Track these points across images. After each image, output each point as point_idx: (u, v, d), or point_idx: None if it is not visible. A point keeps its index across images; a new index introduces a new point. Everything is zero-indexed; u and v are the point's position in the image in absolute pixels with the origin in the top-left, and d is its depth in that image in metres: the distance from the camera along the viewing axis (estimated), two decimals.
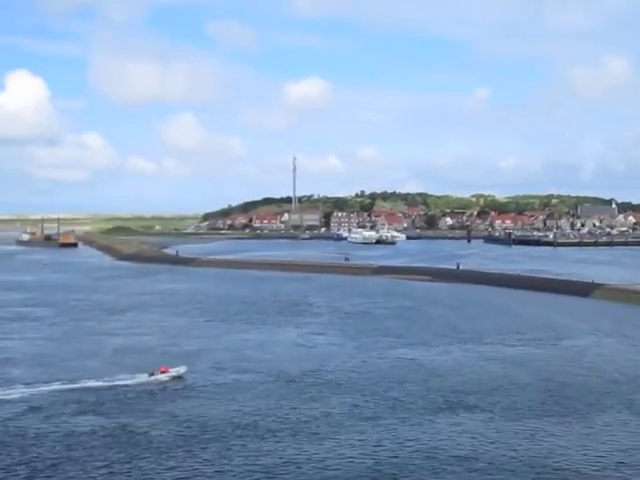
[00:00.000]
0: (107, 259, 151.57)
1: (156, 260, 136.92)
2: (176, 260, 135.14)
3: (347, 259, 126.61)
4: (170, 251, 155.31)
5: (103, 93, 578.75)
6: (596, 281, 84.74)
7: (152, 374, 40.17)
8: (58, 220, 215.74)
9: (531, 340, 53.41)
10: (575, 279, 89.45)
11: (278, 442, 29.33)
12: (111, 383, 38.58)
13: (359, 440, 29.56)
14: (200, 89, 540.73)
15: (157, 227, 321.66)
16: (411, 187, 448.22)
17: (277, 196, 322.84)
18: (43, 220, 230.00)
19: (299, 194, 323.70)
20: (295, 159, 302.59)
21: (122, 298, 79.91)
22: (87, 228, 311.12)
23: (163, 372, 40.37)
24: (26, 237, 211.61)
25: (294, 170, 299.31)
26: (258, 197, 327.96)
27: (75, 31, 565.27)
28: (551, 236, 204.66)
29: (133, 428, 31.06)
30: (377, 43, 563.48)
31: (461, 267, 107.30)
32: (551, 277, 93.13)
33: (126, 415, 32.98)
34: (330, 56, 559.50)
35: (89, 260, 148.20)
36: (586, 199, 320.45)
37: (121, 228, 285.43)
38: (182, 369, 41.24)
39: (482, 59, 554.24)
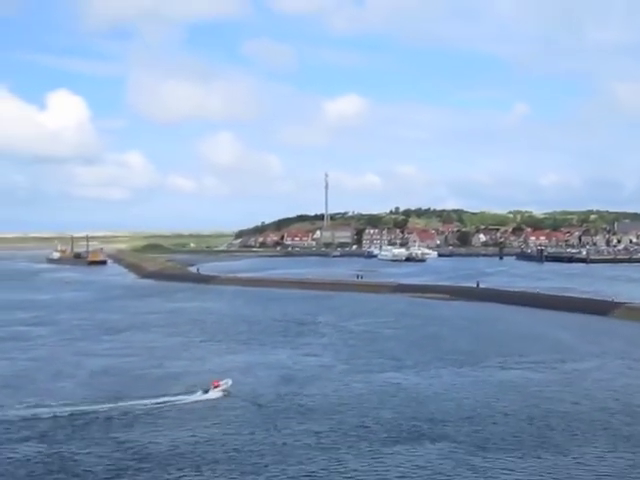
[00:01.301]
0: (130, 277, 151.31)
1: (177, 278, 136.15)
2: (197, 278, 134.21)
3: (360, 277, 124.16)
4: (194, 269, 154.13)
5: (142, 112, 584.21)
6: (617, 300, 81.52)
7: (206, 391, 40.21)
8: (87, 238, 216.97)
9: (532, 363, 50.80)
10: (595, 297, 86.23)
11: (213, 473, 27.51)
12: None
13: (299, 472, 27.66)
14: (238, 107, 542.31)
15: (192, 245, 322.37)
16: (450, 204, 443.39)
17: (312, 213, 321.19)
18: (73, 238, 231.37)
19: (334, 211, 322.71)
20: (327, 176, 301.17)
21: (127, 317, 78.93)
22: (122, 246, 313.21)
23: (216, 387, 40.54)
24: (56, 255, 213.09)
25: (326, 187, 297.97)
26: (295, 214, 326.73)
27: (113, 51, 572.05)
28: (584, 252, 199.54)
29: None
30: (414, 60, 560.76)
31: (481, 285, 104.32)
32: (570, 295, 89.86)
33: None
34: (367, 73, 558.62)
35: (112, 278, 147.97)
36: (626, 215, 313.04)
37: (154, 246, 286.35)
38: (229, 381, 41.37)
39: (521, 75, 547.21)
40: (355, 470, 27.83)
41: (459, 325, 71.62)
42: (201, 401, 39.16)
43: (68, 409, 37.22)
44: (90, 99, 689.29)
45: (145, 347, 58.39)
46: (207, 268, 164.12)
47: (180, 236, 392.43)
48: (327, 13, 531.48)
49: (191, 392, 40.53)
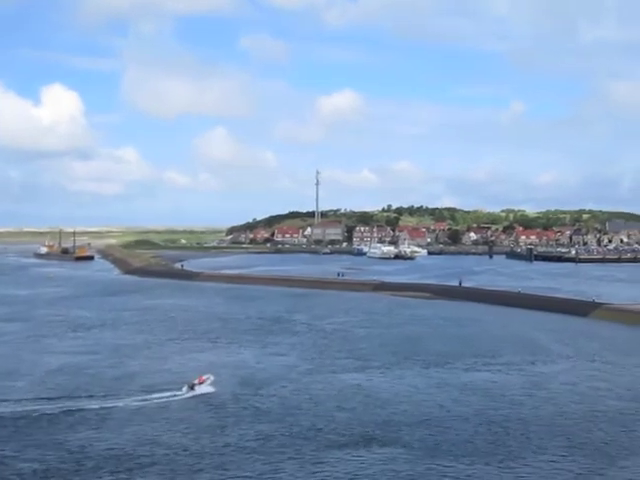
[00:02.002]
0: (115, 272, 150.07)
1: (161, 274, 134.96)
2: (180, 274, 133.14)
3: (341, 275, 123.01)
4: (179, 265, 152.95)
5: (137, 107, 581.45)
6: (598, 300, 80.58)
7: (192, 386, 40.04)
8: (74, 233, 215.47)
9: (502, 364, 49.88)
10: (576, 298, 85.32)
11: (143, 477, 26.55)
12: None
13: (232, 477, 26.76)
14: (233, 103, 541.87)
15: (183, 241, 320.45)
16: (445, 201, 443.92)
17: (305, 210, 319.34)
18: (61, 233, 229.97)
19: (328, 208, 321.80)
20: (318, 173, 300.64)
21: (101, 314, 77.75)
22: (114, 241, 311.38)
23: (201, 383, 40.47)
24: (44, 250, 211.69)
25: (317, 184, 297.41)
26: (290, 211, 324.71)
27: (108, 46, 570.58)
28: (573, 252, 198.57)
29: None
30: (410, 55, 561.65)
31: (464, 284, 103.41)
32: (551, 296, 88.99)
33: None
34: (362, 68, 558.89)
35: (96, 274, 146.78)
36: (619, 214, 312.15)
37: (144, 241, 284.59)
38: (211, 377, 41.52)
39: (518, 73, 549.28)
40: (291, 476, 26.78)
41: (435, 325, 70.61)
42: (170, 400, 38.30)
43: (14, 408, 36.20)
44: (85, 94, 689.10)
45: (109, 345, 57.33)
46: (194, 264, 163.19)
47: (174, 232, 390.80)
48: (321, 8, 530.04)
49: (177, 389, 40.04)
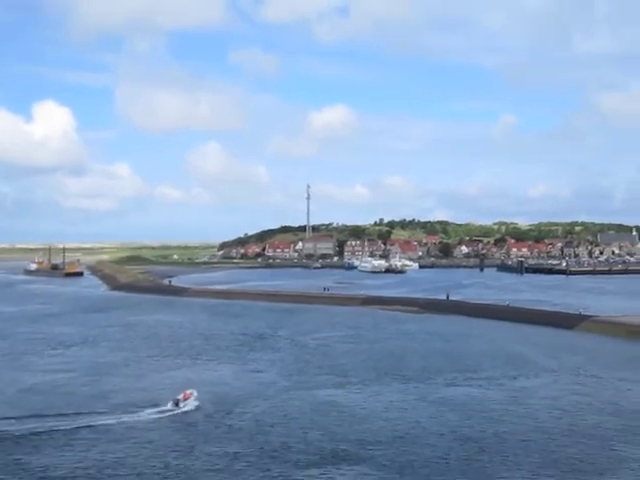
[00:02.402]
0: (102, 289, 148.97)
1: (148, 290, 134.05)
2: (167, 290, 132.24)
3: (327, 289, 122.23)
4: (167, 281, 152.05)
5: (129, 122, 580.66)
6: (584, 312, 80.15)
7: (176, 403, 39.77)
8: (64, 249, 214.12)
9: (483, 379, 49.24)
10: (563, 311, 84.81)
11: None
12: None
13: None
14: (225, 117, 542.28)
15: (175, 256, 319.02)
16: (438, 215, 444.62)
17: (297, 224, 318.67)
18: (50, 250, 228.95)
19: (320, 222, 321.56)
20: (309, 187, 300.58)
21: (83, 331, 76.89)
22: (105, 257, 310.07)
23: (186, 399, 40.31)
24: (33, 267, 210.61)
25: (308, 198, 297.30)
26: (282, 225, 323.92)
27: (100, 61, 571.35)
28: (564, 264, 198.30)
29: None
30: (402, 70, 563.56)
31: (451, 298, 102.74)
32: (538, 309, 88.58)
33: None
34: (354, 84, 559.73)
35: (84, 290, 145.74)
36: (610, 226, 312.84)
37: (135, 257, 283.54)
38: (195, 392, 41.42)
39: (509, 86, 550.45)
40: None
41: (419, 339, 69.89)
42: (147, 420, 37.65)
43: None
44: (77, 110, 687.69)
45: (87, 362, 56.49)
46: (183, 280, 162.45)
47: (167, 247, 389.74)
48: (312, 23, 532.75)
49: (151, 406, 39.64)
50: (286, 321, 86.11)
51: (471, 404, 41.37)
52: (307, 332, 75.28)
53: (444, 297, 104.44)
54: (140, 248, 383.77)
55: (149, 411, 39.12)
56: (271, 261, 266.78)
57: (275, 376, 50.69)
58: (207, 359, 58.80)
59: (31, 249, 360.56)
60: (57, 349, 64.08)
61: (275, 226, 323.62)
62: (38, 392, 44.78)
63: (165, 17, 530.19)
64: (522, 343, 66.77)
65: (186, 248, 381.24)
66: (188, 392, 41.30)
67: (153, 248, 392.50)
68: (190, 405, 40.08)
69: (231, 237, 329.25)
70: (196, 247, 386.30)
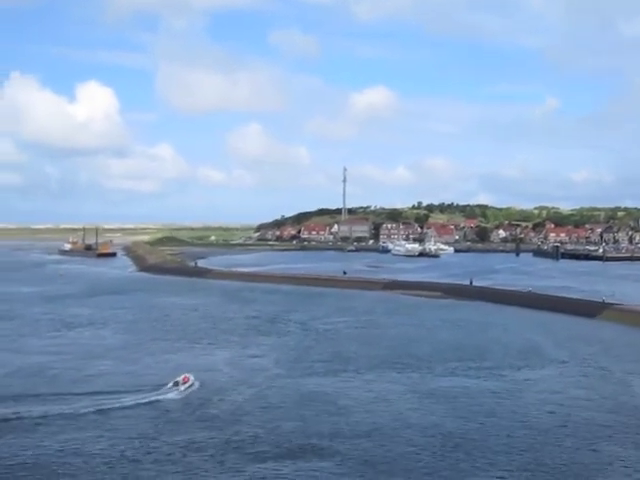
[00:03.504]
0: (130, 270, 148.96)
1: (173, 271, 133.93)
2: (191, 272, 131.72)
3: (345, 273, 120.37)
4: (193, 263, 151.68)
5: (170, 103, 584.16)
6: (608, 301, 77.27)
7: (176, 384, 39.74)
8: (97, 230, 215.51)
9: (484, 369, 47.32)
10: (586, 298, 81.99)
11: None
12: None
13: None
14: (264, 98, 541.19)
15: (212, 238, 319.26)
16: (481, 198, 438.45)
17: (334, 207, 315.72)
18: (85, 230, 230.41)
19: (357, 205, 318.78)
20: (345, 170, 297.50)
21: (95, 312, 76.65)
22: (145, 238, 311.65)
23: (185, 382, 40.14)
24: (68, 247, 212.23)
25: (344, 181, 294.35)
26: (322, 207, 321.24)
27: (139, 41, 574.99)
28: (601, 250, 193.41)
29: None
30: (440, 51, 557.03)
31: (475, 283, 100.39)
32: (561, 296, 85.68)
33: None
34: (395, 65, 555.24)
35: (112, 271, 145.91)
36: None
37: (172, 238, 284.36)
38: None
39: (552, 69, 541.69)
40: None
41: (433, 326, 67.91)
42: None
43: None
44: (119, 91, 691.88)
45: (85, 345, 56.03)
46: (213, 262, 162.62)
47: (208, 228, 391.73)
48: (350, 2, 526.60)
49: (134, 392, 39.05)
50: (302, 305, 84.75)
51: (461, 397, 39.52)
52: (320, 317, 73.88)
53: (468, 282, 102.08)
54: (180, 229, 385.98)
55: (128, 398, 38.04)
56: (306, 244, 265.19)
57: (271, 362, 49.37)
58: (208, 343, 57.77)
59: (74, 229, 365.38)
60: (60, 331, 63.60)
61: (314, 208, 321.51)
62: (22, 375, 44.22)
63: None
64: (538, 331, 64.54)
65: (226, 229, 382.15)
66: (187, 376, 40.81)
67: (192, 229, 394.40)
68: (185, 390, 39.54)
69: (270, 219, 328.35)
70: (237, 229, 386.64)
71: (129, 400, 37.56)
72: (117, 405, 36.83)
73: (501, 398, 39.31)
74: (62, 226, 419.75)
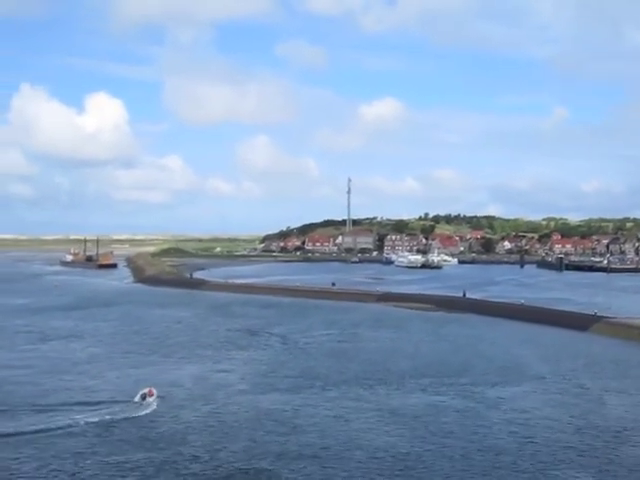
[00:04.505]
0: (126, 281, 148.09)
1: (168, 283, 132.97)
2: (187, 283, 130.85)
3: (333, 284, 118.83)
4: (189, 274, 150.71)
5: (179, 115, 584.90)
6: (600, 313, 75.41)
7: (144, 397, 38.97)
8: (97, 241, 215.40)
9: (458, 386, 45.60)
10: (578, 311, 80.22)
11: None
12: None
13: None
14: (273, 110, 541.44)
15: (217, 249, 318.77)
16: (490, 210, 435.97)
17: (341, 218, 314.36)
18: (85, 241, 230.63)
19: (364, 216, 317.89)
20: (350, 181, 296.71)
21: (76, 325, 75.62)
22: (151, 249, 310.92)
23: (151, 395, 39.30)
24: (69, 258, 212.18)
25: (349, 192, 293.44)
26: (325, 219, 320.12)
27: (146, 53, 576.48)
28: (605, 262, 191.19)
29: None
30: (449, 63, 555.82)
31: (468, 295, 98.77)
32: (553, 308, 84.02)
33: None
34: (403, 76, 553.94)
35: (108, 282, 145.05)
36: None
37: (175, 249, 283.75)
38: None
39: (560, 78, 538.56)
40: None
41: (418, 340, 66.01)
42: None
43: None
44: (128, 102, 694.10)
45: (54, 358, 54.64)
46: (213, 273, 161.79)
47: (216, 240, 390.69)
48: (357, 14, 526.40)
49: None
50: (290, 317, 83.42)
51: (425, 415, 37.80)
52: (304, 330, 72.36)
53: (461, 294, 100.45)
54: (188, 240, 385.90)
55: (78, 415, 36.57)
56: (310, 255, 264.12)
57: (237, 378, 47.84)
58: (181, 357, 56.28)
59: (82, 240, 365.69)
60: (34, 344, 62.28)
61: (321, 220, 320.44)
62: None
63: (207, 7, 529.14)
64: (526, 345, 62.95)
65: (233, 241, 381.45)
66: (152, 390, 39.69)
67: (200, 240, 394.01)
68: (152, 404, 38.55)
69: (277, 230, 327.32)
70: (244, 240, 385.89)
71: (78, 417, 36.08)
72: (63, 423, 35.31)
73: (465, 417, 37.59)
74: (72, 237, 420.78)
